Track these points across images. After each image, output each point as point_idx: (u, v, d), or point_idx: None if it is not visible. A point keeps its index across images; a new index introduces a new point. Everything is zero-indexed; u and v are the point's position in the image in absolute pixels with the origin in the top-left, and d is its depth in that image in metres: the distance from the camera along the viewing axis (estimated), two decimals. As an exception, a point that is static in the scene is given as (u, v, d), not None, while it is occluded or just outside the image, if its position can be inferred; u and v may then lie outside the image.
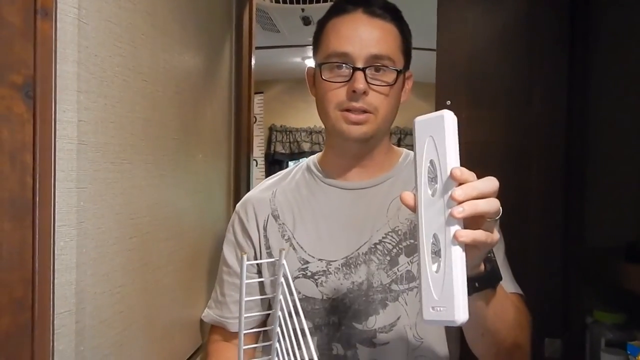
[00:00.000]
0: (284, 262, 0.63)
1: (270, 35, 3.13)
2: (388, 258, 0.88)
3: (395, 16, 0.88)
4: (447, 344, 0.88)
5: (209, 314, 0.97)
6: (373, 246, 0.88)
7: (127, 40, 0.69)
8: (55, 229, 0.55)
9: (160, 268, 0.82)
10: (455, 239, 0.51)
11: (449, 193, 0.52)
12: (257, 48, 1.44)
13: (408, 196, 0.58)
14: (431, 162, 0.55)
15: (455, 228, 0.52)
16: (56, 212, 0.55)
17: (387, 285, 0.87)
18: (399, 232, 0.89)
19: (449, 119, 0.54)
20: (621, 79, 1.19)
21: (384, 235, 0.89)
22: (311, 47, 0.95)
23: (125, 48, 0.69)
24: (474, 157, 1.38)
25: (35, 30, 0.52)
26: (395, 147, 1.00)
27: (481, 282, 0.63)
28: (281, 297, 0.64)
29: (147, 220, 0.76)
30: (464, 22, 1.38)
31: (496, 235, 0.57)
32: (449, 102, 1.37)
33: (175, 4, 0.85)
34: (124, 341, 0.70)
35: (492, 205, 0.54)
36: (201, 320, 1.01)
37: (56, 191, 0.54)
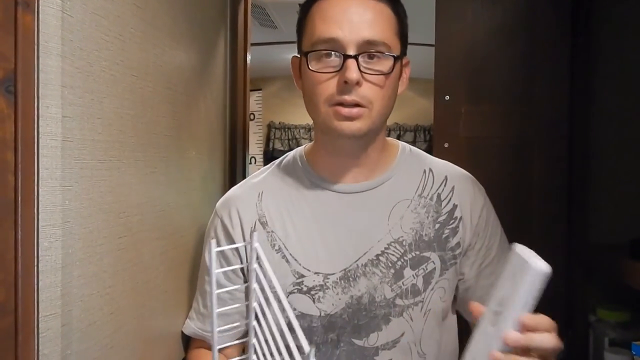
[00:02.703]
0: (257, 244, 0.58)
1: (268, 32, 3.11)
2: (392, 271, 0.81)
3: None
4: None
5: (190, 325, 0.89)
6: (375, 258, 0.81)
7: (115, 33, 0.67)
8: (39, 229, 0.53)
9: (152, 268, 0.79)
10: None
11: (503, 331, 0.53)
12: (254, 44, 1.42)
13: (478, 310, 0.58)
14: (502, 297, 0.55)
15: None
16: (40, 211, 0.53)
17: (391, 299, 0.81)
18: (404, 243, 0.82)
19: (534, 274, 0.51)
20: (625, 70, 1.16)
21: (387, 246, 0.82)
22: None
23: (113, 42, 0.66)
24: (475, 153, 1.36)
25: (15, 23, 0.49)
26: (390, 140, 0.90)
27: None
28: (256, 286, 0.59)
29: (137, 219, 0.74)
30: (462, 16, 1.36)
31: None
32: (447, 97, 1.35)
33: (166, -3, 0.83)
34: (114, 344, 0.68)
35: (545, 341, 0.54)
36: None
37: (39, 190, 0.53)
